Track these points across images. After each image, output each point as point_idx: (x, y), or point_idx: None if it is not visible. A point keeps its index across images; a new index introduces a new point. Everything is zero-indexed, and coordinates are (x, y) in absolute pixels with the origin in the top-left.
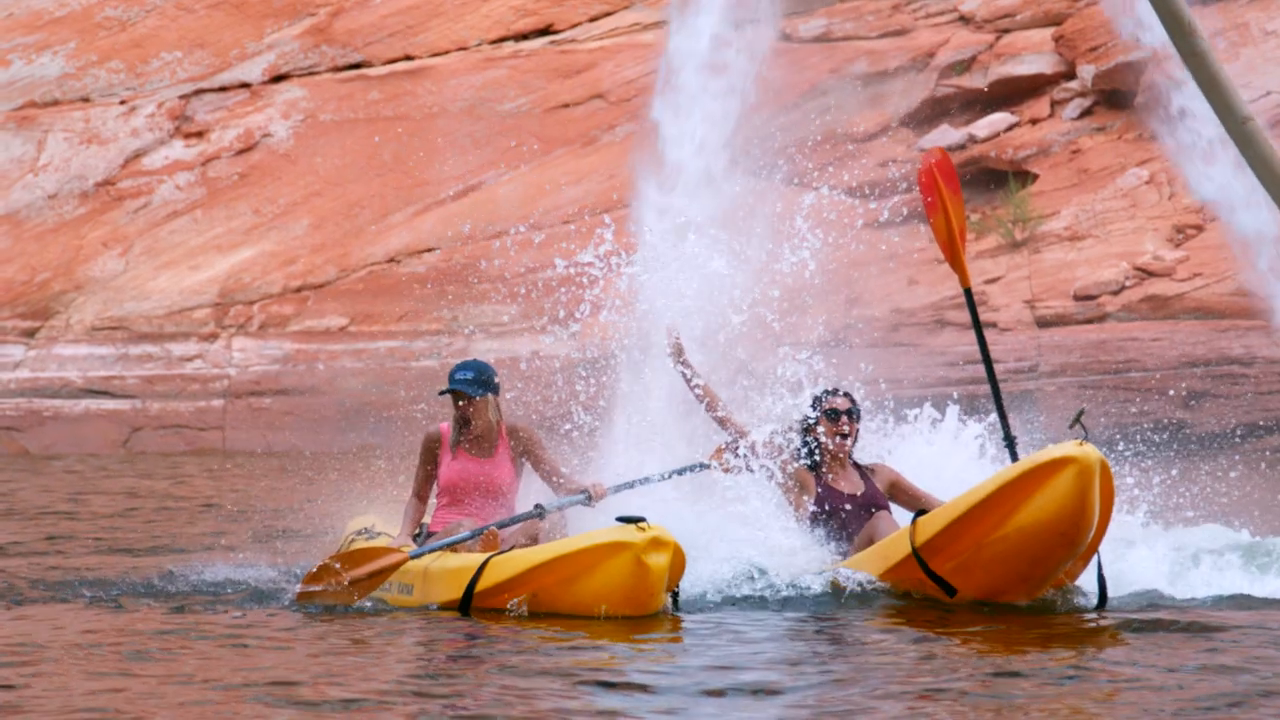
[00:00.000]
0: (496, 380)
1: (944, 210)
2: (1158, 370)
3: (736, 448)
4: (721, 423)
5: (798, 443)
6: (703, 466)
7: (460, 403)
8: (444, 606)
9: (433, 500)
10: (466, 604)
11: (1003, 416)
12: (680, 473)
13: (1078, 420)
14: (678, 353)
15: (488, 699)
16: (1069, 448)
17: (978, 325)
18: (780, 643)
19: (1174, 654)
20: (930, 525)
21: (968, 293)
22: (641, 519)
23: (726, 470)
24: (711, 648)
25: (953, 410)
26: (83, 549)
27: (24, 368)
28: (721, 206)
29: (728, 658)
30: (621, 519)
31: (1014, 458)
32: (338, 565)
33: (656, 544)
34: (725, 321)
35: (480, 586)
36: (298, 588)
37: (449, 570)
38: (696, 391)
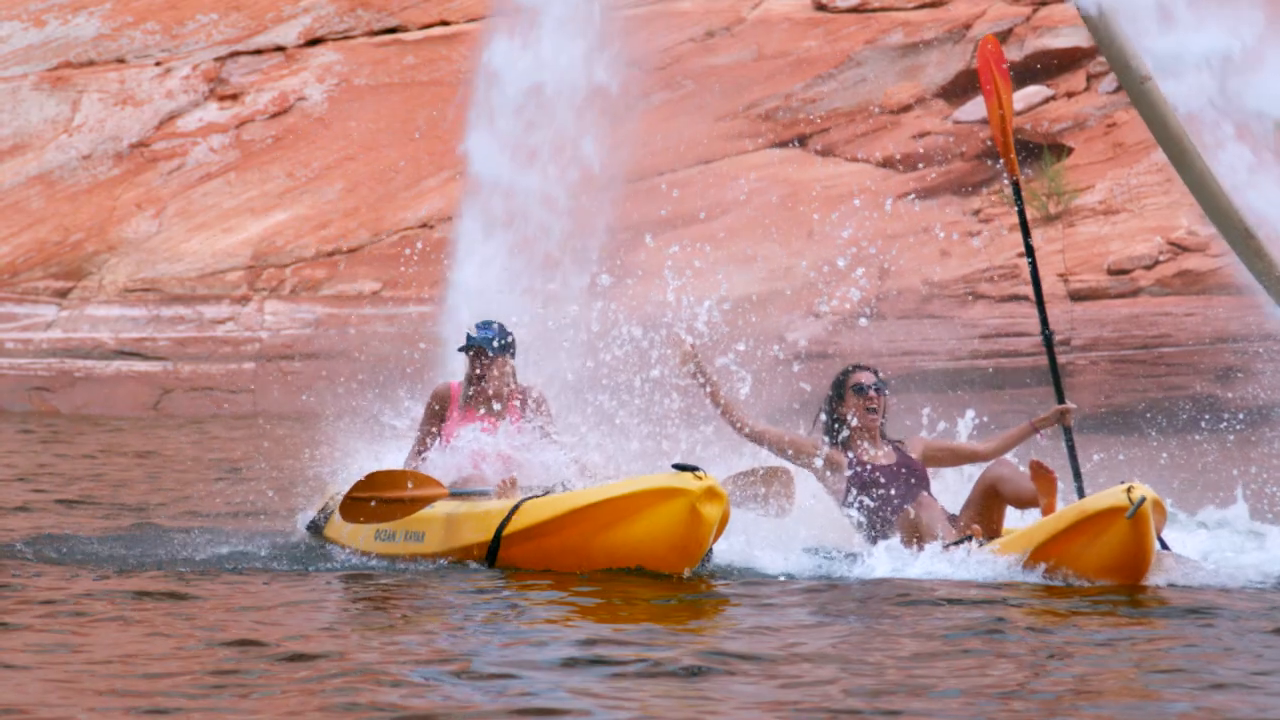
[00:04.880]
0: (514, 341)
1: (997, 95)
2: (1191, 345)
3: (747, 483)
4: (746, 433)
5: (824, 423)
6: None
7: (484, 360)
8: (466, 553)
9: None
10: (494, 552)
11: (1072, 453)
12: None
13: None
14: (692, 359)
15: (508, 666)
16: (1119, 496)
17: (1024, 224)
18: (811, 611)
19: (1201, 632)
20: None
21: (1015, 185)
22: (697, 467)
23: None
24: (742, 614)
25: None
26: (104, 511)
27: (56, 328)
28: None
29: (759, 625)
30: (678, 466)
31: (1080, 493)
32: (383, 480)
33: (711, 494)
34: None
35: (509, 530)
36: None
37: (475, 515)
38: (718, 403)
